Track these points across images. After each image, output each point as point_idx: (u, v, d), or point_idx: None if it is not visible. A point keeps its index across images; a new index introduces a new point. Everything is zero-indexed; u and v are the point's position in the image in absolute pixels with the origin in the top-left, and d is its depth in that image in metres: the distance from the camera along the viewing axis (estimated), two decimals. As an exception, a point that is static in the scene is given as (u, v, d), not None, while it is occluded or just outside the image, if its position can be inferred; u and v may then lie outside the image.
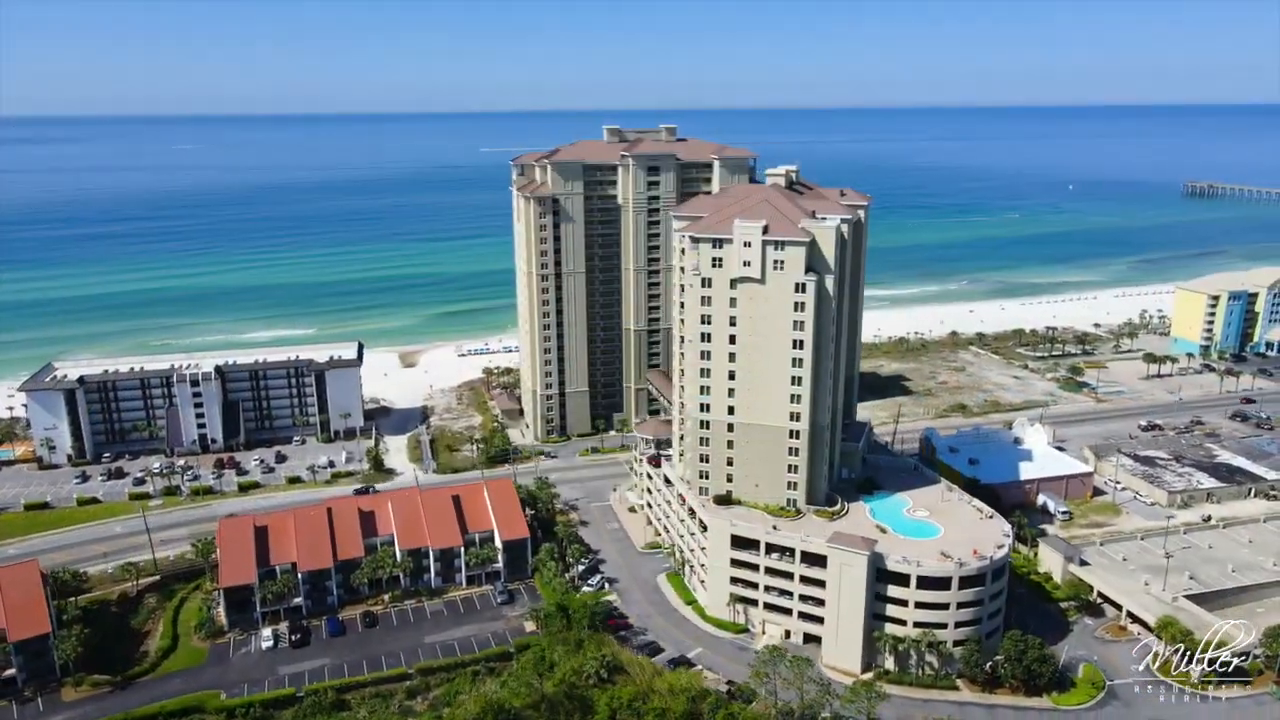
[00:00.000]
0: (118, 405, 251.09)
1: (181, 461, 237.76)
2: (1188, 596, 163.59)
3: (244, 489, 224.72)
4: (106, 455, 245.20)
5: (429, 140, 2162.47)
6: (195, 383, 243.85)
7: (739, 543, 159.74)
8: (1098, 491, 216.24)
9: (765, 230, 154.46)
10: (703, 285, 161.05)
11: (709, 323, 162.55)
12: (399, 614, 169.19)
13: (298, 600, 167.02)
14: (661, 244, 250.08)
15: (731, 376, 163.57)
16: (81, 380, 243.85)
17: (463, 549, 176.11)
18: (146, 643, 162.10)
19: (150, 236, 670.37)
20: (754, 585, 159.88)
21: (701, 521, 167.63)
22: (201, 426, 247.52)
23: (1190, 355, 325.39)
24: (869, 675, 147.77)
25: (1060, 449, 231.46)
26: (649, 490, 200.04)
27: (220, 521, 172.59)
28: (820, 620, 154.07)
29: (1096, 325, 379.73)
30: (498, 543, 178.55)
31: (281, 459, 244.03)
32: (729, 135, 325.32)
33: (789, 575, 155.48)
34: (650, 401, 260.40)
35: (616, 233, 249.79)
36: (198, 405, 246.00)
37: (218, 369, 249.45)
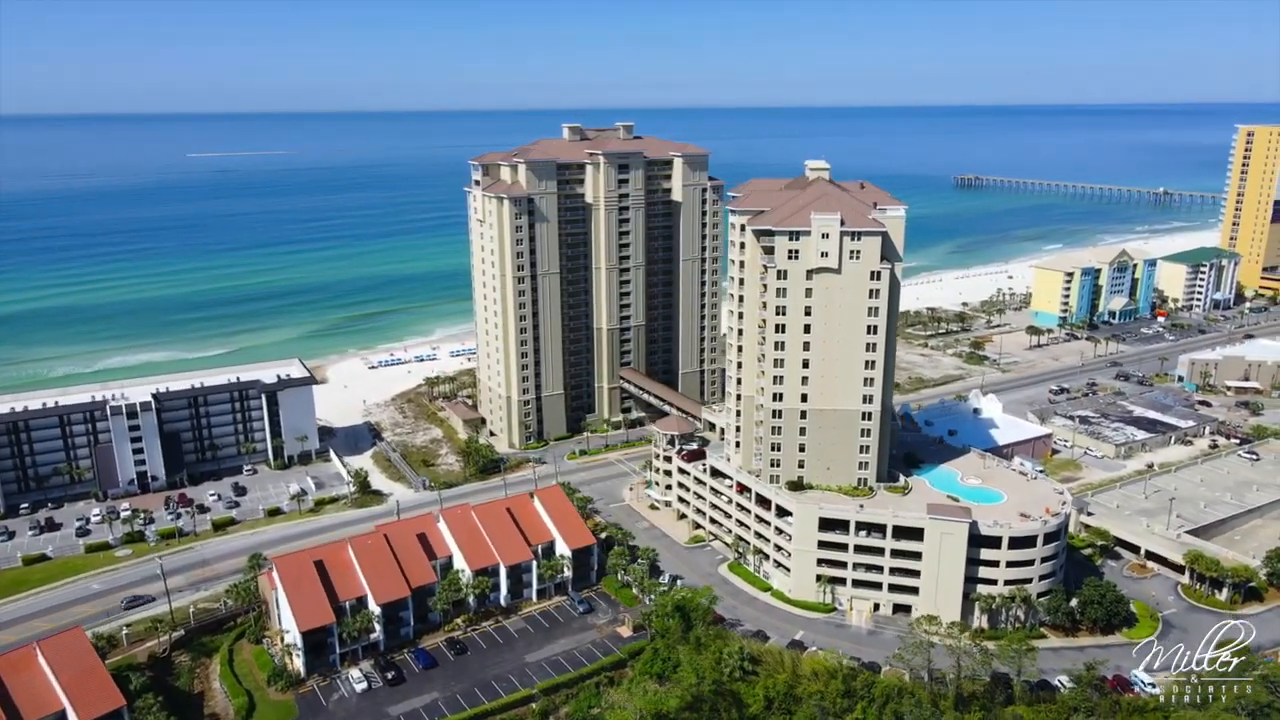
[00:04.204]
0: (32, 447, 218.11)
1: (125, 505, 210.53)
2: (1187, 533, 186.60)
3: (219, 527, 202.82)
4: (24, 506, 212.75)
5: (130, 144, 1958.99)
6: (133, 414, 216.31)
7: (826, 524, 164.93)
8: (1052, 451, 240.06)
9: (842, 222, 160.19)
10: (778, 277, 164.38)
11: (783, 314, 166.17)
12: (483, 637, 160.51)
13: (374, 636, 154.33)
14: (632, 241, 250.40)
15: (805, 365, 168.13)
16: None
17: (534, 563, 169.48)
18: (207, 704, 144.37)
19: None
20: (841, 564, 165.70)
21: (778, 508, 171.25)
22: (140, 463, 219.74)
23: (1059, 326, 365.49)
24: (967, 635, 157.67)
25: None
26: (682, 485, 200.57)
27: (275, 560, 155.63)
28: (910, 590, 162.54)
29: (965, 304, 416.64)
30: (564, 552, 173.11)
31: (241, 491, 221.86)
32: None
33: (879, 550, 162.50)
34: (623, 400, 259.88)
35: (584, 231, 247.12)
36: (135, 439, 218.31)
37: (155, 397, 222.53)
